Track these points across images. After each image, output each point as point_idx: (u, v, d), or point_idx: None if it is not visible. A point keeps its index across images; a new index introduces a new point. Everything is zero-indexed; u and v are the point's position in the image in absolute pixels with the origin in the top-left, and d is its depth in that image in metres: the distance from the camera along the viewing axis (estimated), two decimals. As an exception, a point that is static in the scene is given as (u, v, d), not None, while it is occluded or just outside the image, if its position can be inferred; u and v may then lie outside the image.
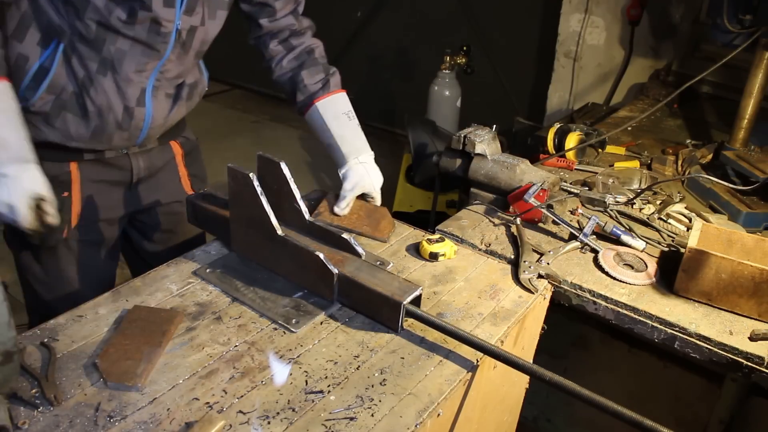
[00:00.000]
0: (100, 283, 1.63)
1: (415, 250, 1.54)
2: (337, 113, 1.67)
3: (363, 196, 1.66)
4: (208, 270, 1.40)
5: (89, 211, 1.54)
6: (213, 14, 1.49)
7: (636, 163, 2.18)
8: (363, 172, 1.63)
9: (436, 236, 1.55)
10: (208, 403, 1.05)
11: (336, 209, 1.60)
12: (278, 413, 1.04)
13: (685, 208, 1.83)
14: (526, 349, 1.49)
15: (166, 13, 1.37)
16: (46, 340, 1.16)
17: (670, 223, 1.77)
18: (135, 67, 1.42)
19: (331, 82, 1.69)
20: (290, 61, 1.69)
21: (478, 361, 1.19)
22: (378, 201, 1.66)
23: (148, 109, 1.49)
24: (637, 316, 1.40)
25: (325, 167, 4.75)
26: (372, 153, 1.69)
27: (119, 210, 1.64)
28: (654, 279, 1.49)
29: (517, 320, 1.34)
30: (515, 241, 1.61)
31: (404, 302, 1.21)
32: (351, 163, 1.64)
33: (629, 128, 2.53)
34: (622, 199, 1.80)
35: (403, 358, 1.19)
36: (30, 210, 1.29)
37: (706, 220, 1.74)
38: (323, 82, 1.68)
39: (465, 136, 1.82)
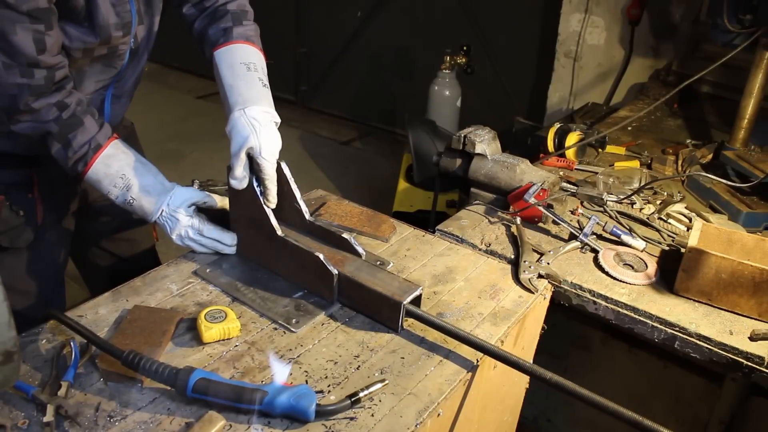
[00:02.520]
0: (59, 280, 1.64)
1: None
2: (234, 62, 1.42)
3: (253, 163, 1.32)
4: (208, 270, 1.40)
5: (51, 209, 1.54)
6: (155, 12, 1.46)
7: (636, 163, 2.18)
8: (248, 127, 1.31)
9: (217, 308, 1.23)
10: (208, 403, 1.05)
11: (231, 181, 1.34)
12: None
13: (685, 207, 1.83)
14: (526, 349, 1.49)
15: (124, 39, 1.38)
16: (45, 340, 1.17)
17: (670, 223, 1.77)
18: (94, 86, 1.43)
19: (234, 31, 1.46)
20: (201, 20, 1.52)
21: (478, 361, 1.19)
22: (267, 173, 1.31)
23: (106, 116, 1.51)
24: (637, 316, 1.40)
25: (325, 167, 4.75)
26: (270, 111, 1.36)
27: (75, 203, 1.64)
28: (654, 279, 1.49)
29: (517, 320, 1.34)
30: (515, 241, 1.61)
31: (404, 302, 1.22)
32: (234, 114, 1.33)
33: (629, 128, 2.53)
34: (620, 196, 1.80)
35: (403, 358, 1.19)
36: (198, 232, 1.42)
37: (706, 219, 1.74)
38: (224, 29, 1.46)
39: (465, 136, 1.82)
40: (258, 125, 1.31)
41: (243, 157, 1.30)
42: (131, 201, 1.38)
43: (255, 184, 1.32)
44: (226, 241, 1.44)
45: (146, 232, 1.83)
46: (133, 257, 1.81)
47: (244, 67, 1.41)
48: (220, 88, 1.42)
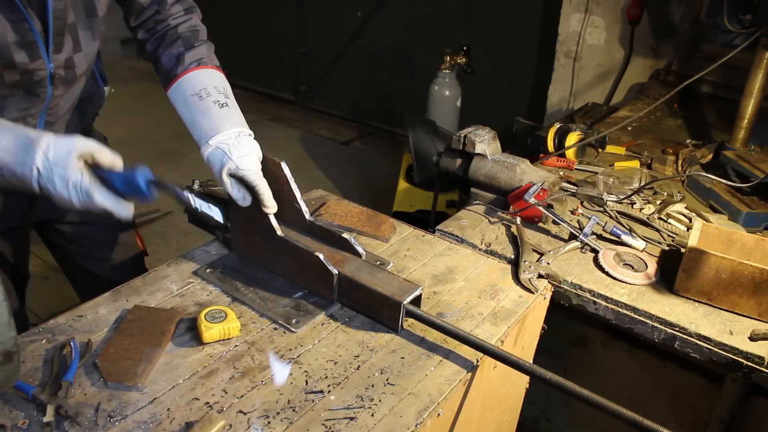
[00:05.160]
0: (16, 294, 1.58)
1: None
2: (185, 97, 1.41)
3: (245, 185, 1.31)
4: (208, 270, 1.40)
5: None
6: (93, 34, 1.38)
7: (636, 163, 2.18)
8: (218, 153, 1.33)
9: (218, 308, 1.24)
10: (208, 402, 1.05)
11: (237, 202, 1.33)
12: (278, 413, 1.04)
13: (685, 207, 1.83)
14: (526, 349, 1.49)
15: (33, 63, 1.27)
16: (45, 340, 1.17)
17: (670, 223, 1.77)
18: (17, 113, 1.34)
19: (186, 58, 1.44)
20: (152, 42, 1.49)
21: (478, 361, 1.19)
22: (252, 181, 1.30)
23: None
24: (637, 316, 1.40)
25: (325, 167, 4.75)
26: (233, 129, 1.36)
27: (18, 220, 1.55)
28: (654, 279, 1.49)
29: (517, 320, 1.34)
30: (515, 241, 1.61)
31: (404, 302, 1.22)
32: (203, 150, 1.36)
33: (629, 128, 2.53)
34: (620, 196, 1.80)
35: (403, 358, 1.19)
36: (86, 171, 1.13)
37: (706, 219, 1.74)
38: (177, 56, 1.44)
39: (465, 136, 1.82)
40: (227, 147, 1.33)
41: (227, 179, 1.31)
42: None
43: None
44: (122, 212, 1.17)
45: (124, 247, 1.77)
46: (111, 273, 1.74)
47: (196, 98, 1.40)
48: (187, 126, 1.42)
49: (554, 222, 1.66)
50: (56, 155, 1.09)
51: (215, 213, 1.41)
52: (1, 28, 1.19)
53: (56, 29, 1.28)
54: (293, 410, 1.05)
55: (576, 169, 2.09)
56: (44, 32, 1.27)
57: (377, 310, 1.26)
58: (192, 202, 1.33)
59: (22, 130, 1.12)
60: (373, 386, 1.11)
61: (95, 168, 1.14)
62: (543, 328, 1.53)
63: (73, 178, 1.10)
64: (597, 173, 2.02)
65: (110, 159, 1.15)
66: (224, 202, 1.44)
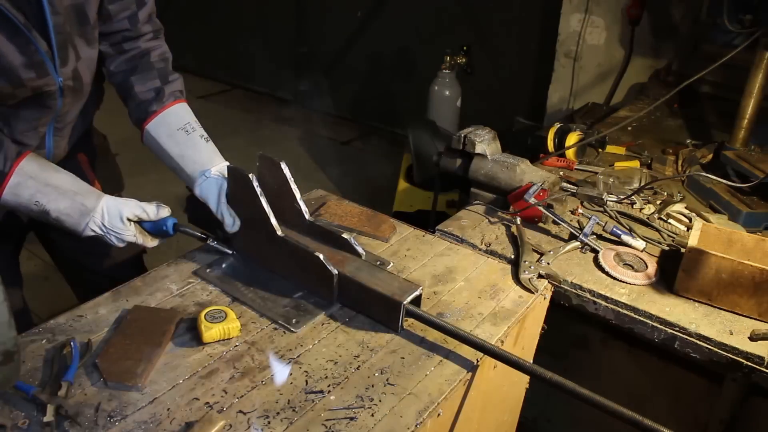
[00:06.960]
0: (15, 300, 1.58)
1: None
2: (171, 132, 1.47)
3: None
4: (208, 270, 1.40)
5: None
6: (88, 41, 1.40)
7: (636, 163, 2.18)
8: (218, 180, 1.42)
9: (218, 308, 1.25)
10: (208, 402, 1.05)
11: (227, 229, 1.41)
12: (278, 413, 1.04)
13: (685, 207, 1.83)
14: (526, 349, 1.49)
15: (43, 81, 1.31)
16: (45, 340, 1.17)
17: (670, 223, 1.77)
18: (29, 125, 1.38)
19: (165, 93, 1.49)
20: (119, 64, 1.51)
21: (478, 361, 1.19)
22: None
23: (48, 148, 1.47)
24: (637, 316, 1.40)
25: (325, 167, 4.75)
26: (222, 162, 1.47)
27: (25, 218, 1.58)
28: (654, 279, 1.49)
29: (517, 320, 1.34)
30: (515, 241, 1.61)
31: (404, 302, 1.22)
32: (199, 181, 1.43)
33: (629, 128, 2.53)
34: (620, 196, 1.80)
35: (403, 358, 1.19)
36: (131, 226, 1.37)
37: (706, 219, 1.74)
38: (156, 91, 1.49)
39: (465, 136, 1.82)
40: (221, 175, 1.42)
41: (225, 202, 1.40)
42: (53, 222, 1.33)
43: (256, 184, 1.32)
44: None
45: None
46: (111, 270, 1.75)
47: (182, 132, 1.47)
48: (166, 158, 1.48)
49: (554, 222, 1.66)
50: (111, 223, 1.34)
51: (226, 248, 1.47)
52: (7, 52, 1.23)
53: (59, 43, 1.31)
54: (293, 410, 1.05)
55: (576, 169, 2.09)
56: (49, 49, 1.30)
57: (377, 310, 1.26)
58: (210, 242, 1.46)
59: (79, 199, 1.31)
60: (373, 386, 1.11)
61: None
62: (543, 328, 1.53)
63: (128, 238, 1.36)
64: (597, 173, 2.02)
65: (153, 214, 1.38)
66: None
